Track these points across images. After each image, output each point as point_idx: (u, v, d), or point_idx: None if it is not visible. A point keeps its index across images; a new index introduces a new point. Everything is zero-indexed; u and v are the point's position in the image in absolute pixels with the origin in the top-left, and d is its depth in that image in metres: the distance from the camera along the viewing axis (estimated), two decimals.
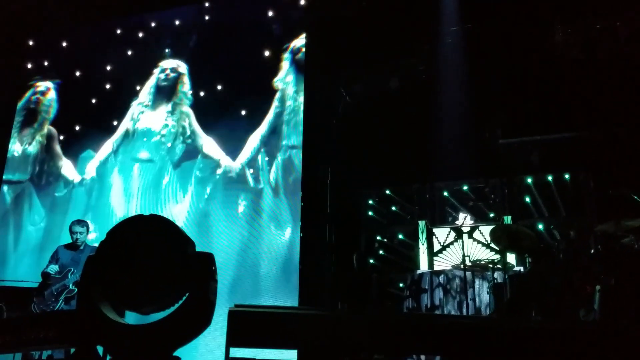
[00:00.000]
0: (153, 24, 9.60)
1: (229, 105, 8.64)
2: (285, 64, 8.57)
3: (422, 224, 7.95)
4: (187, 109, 8.95)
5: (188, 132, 8.79)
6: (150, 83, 9.30)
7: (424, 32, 8.55)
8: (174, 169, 8.67)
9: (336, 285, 6.97)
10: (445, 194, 8.39)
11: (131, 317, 3.85)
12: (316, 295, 7.33)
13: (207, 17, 9.32)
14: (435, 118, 8.34)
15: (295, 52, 8.57)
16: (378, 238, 8.57)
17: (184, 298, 3.38)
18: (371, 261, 8.15)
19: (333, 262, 7.23)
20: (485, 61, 8.23)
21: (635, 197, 6.13)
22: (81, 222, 6.47)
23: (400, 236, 8.51)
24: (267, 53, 8.69)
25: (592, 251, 6.50)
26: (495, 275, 6.67)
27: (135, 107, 9.25)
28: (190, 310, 3.37)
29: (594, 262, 6.00)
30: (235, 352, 3.60)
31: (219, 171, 8.41)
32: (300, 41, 8.62)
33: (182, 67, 9.20)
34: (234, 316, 3.53)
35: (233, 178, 8.28)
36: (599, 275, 5.68)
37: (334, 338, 3.84)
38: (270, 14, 8.87)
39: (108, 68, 9.61)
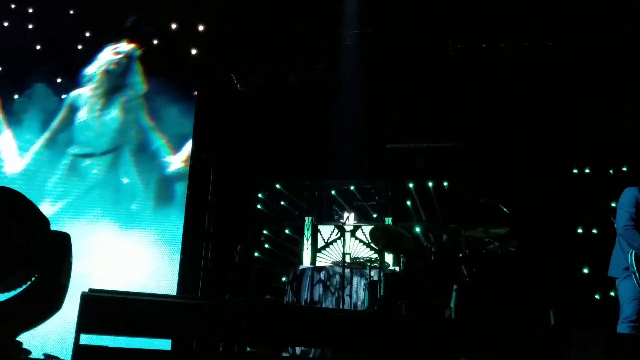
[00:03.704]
0: None
1: None
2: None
3: (308, 220, 8.05)
4: None
5: None
6: None
7: (325, 32, 8.66)
8: None
9: (214, 277, 6.87)
10: (333, 192, 8.57)
11: None
12: (195, 285, 7.20)
13: None
14: (330, 117, 8.49)
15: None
16: (265, 232, 8.59)
17: (33, 279, 3.16)
18: (256, 254, 8.14)
19: (210, 252, 7.12)
20: (381, 67, 8.49)
21: (503, 207, 6.56)
22: None
23: (287, 231, 8.59)
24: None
25: (461, 255, 6.92)
26: (372, 273, 6.90)
27: None
28: (38, 292, 3.16)
29: (462, 265, 6.38)
30: (91, 340, 3.42)
31: None
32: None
33: None
34: (88, 301, 3.34)
35: None
36: (465, 277, 6.06)
37: (207, 328, 3.77)
38: None
39: None
